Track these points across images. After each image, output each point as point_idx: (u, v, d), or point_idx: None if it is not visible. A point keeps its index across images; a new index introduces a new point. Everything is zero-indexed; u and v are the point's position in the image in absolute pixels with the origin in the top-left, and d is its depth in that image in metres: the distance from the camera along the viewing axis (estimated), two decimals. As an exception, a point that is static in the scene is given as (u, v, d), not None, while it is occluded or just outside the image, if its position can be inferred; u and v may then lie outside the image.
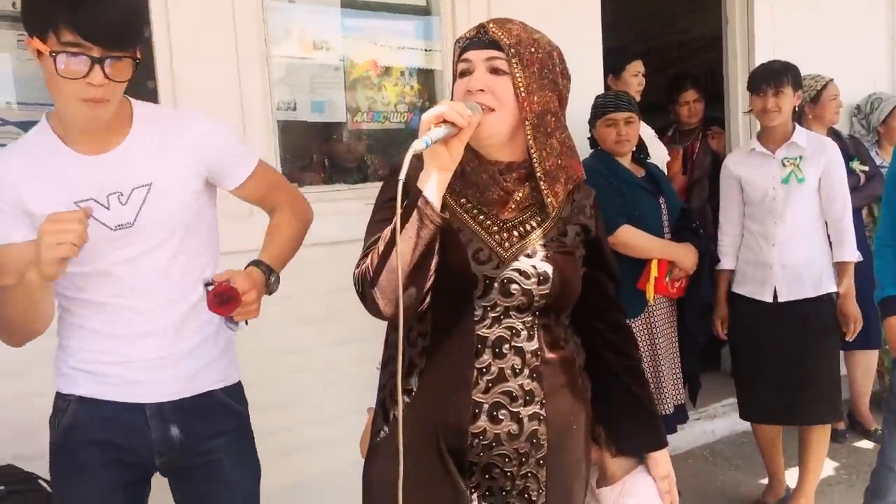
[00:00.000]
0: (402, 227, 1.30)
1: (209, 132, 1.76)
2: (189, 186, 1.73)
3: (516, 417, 1.48)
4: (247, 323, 1.74)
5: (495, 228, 1.51)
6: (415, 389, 1.47)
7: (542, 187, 1.50)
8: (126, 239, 1.66)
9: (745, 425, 4.08)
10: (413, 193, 1.34)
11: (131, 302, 1.68)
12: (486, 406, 1.47)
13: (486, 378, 1.46)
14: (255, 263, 1.76)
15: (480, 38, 1.47)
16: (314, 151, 3.25)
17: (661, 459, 1.75)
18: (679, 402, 3.31)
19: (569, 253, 1.54)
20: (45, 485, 2.00)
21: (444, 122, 1.31)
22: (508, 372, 1.48)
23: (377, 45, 3.25)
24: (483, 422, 1.47)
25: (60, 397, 1.73)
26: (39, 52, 1.52)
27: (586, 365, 1.65)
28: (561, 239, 1.54)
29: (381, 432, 1.53)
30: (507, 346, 1.47)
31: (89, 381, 1.69)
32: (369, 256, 1.39)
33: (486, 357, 1.47)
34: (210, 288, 1.64)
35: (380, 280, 1.35)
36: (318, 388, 2.99)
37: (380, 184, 1.59)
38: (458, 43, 1.52)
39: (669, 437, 3.58)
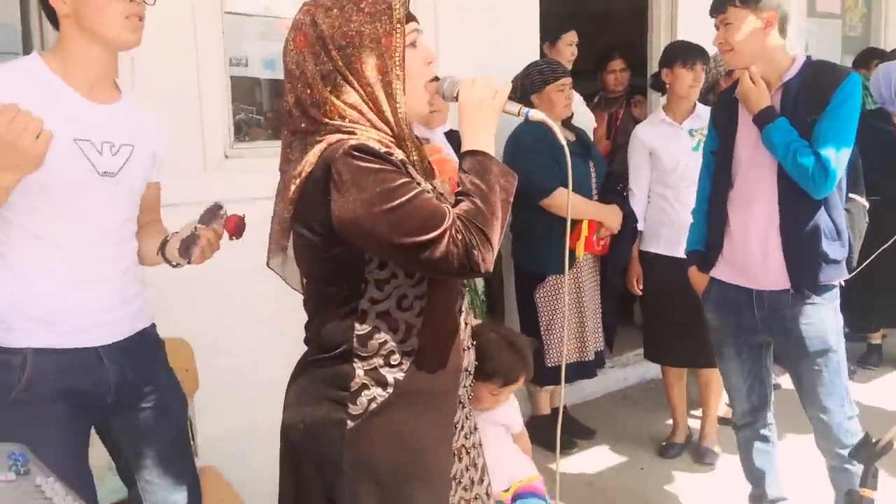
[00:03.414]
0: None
1: (162, 126, 1.95)
2: (150, 163, 1.91)
3: (471, 343, 1.64)
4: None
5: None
6: (416, 349, 1.47)
7: (429, 154, 1.61)
8: (105, 187, 1.78)
9: (654, 373, 4.45)
10: (485, 156, 1.47)
11: (84, 249, 1.75)
12: (465, 341, 1.59)
13: (461, 317, 1.58)
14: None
15: (406, 6, 1.46)
16: (264, 108, 3.32)
17: None
18: (598, 349, 3.62)
19: None
20: None
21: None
22: (467, 305, 1.63)
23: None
24: (468, 356, 1.60)
25: (9, 352, 1.70)
26: None
27: None
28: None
29: (377, 398, 1.46)
30: (462, 284, 1.60)
31: (42, 332, 1.71)
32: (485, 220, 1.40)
33: (458, 299, 1.58)
34: (224, 213, 1.80)
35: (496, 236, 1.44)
36: (265, 337, 3.09)
37: None
38: (397, 6, 1.45)
39: (589, 381, 3.96)
